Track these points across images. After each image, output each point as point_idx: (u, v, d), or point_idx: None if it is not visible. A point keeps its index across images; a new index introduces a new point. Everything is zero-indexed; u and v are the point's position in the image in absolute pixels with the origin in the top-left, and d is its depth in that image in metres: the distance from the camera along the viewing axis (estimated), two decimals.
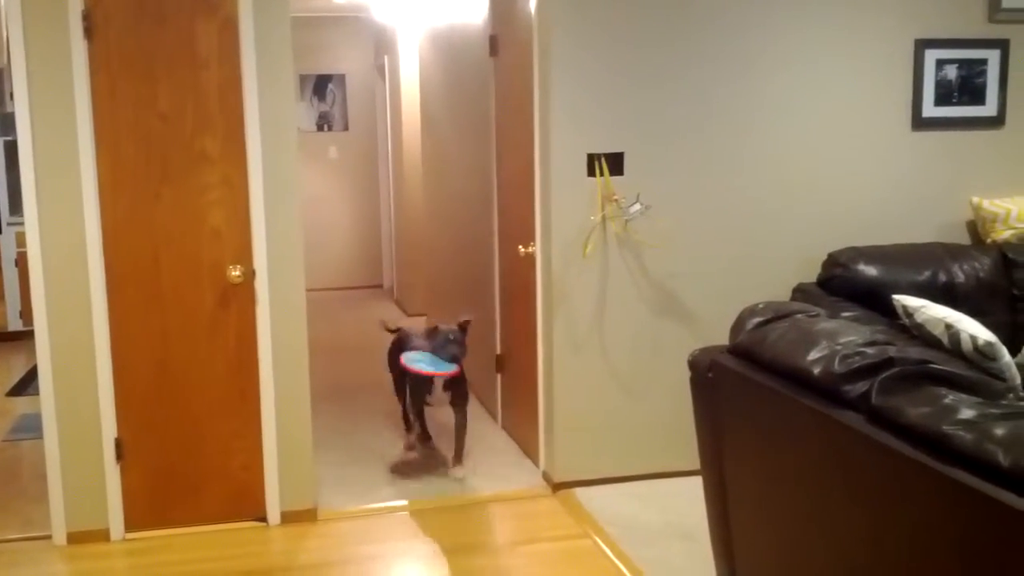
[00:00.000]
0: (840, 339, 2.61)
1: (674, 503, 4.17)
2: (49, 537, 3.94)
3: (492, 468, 4.67)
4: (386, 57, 8.75)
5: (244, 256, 3.93)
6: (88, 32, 3.70)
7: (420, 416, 4.83)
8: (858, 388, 2.41)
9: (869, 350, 2.50)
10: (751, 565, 2.98)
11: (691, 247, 4.34)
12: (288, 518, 4.08)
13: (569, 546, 3.81)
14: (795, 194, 4.41)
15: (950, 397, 2.17)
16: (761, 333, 2.90)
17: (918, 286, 4.20)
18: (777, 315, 2.96)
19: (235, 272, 3.89)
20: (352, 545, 3.85)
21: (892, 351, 2.47)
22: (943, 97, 4.49)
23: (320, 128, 9.53)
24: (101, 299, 3.82)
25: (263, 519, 4.08)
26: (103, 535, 3.94)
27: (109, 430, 3.90)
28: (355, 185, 9.74)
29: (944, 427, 2.07)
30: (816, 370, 2.54)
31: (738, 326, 3.04)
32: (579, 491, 4.33)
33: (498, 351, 5.25)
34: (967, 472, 1.96)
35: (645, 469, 4.44)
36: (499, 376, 5.27)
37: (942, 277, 4.26)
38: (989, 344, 3.30)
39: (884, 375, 2.35)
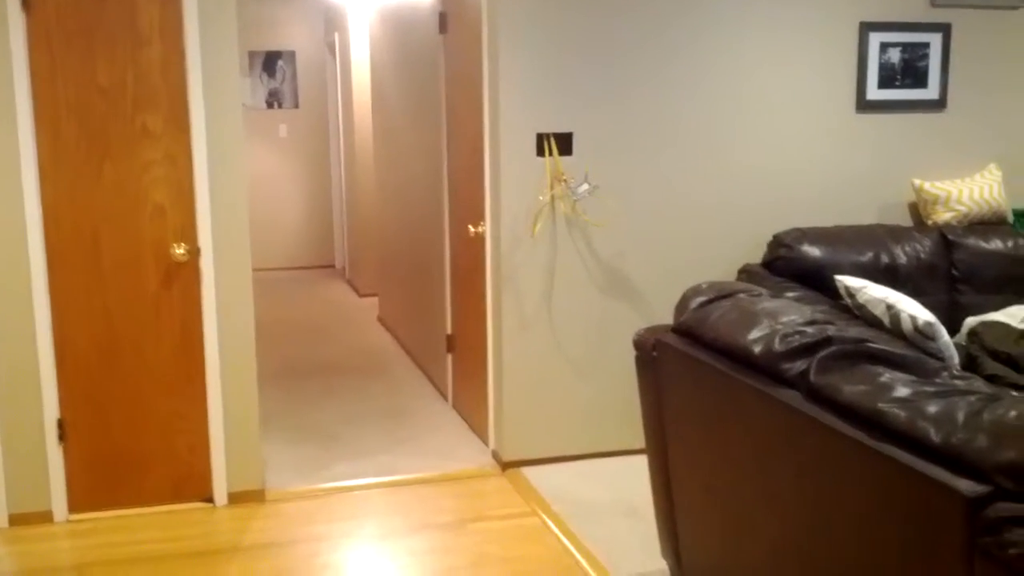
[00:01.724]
0: (781, 319, 2.66)
1: (622, 481, 4.21)
2: None
3: (442, 447, 4.68)
4: (336, 34, 8.65)
5: (188, 234, 3.88)
6: (26, 5, 3.61)
7: None
8: (797, 366, 2.45)
9: (809, 329, 2.55)
10: (695, 542, 3.03)
11: (639, 228, 4.37)
12: (235, 499, 4.06)
13: (517, 524, 3.84)
14: (742, 175, 4.46)
15: (886, 375, 2.22)
16: (704, 312, 2.93)
17: (861, 267, 4.27)
18: (720, 295, 3.00)
19: (179, 250, 3.84)
20: (300, 526, 3.84)
21: (831, 330, 2.51)
22: (887, 80, 4.56)
23: (270, 106, 9.41)
24: (41, 278, 3.75)
25: (210, 500, 4.05)
26: (46, 517, 3.89)
27: (51, 410, 3.83)
28: (306, 164, 9.65)
29: (879, 404, 2.11)
30: (757, 349, 2.58)
31: (682, 306, 3.07)
32: (528, 470, 4.36)
33: (448, 331, 5.25)
34: (901, 448, 2.00)
35: (594, 448, 4.47)
36: (449, 356, 5.27)
37: (884, 258, 4.33)
38: (928, 324, 3.38)
39: (822, 353, 2.39)
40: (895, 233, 4.41)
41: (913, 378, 2.20)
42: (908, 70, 4.57)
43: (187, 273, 3.90)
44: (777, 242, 4.31)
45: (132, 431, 3.94)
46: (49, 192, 3.72)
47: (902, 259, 4.34)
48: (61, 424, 3.86)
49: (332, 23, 8.91)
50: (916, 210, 4.70)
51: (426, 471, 4.38)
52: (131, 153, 3.78)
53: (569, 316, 4.35)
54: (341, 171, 9.22)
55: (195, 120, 3.80)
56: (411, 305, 6.24)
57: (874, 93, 4.55)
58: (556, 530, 3.76)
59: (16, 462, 3.84)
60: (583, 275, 4.33)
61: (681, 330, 3.02)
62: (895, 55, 4.55)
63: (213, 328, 3.94)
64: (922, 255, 4.38)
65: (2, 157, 3.65)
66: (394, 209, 6.67)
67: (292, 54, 9.40)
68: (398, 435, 4.86)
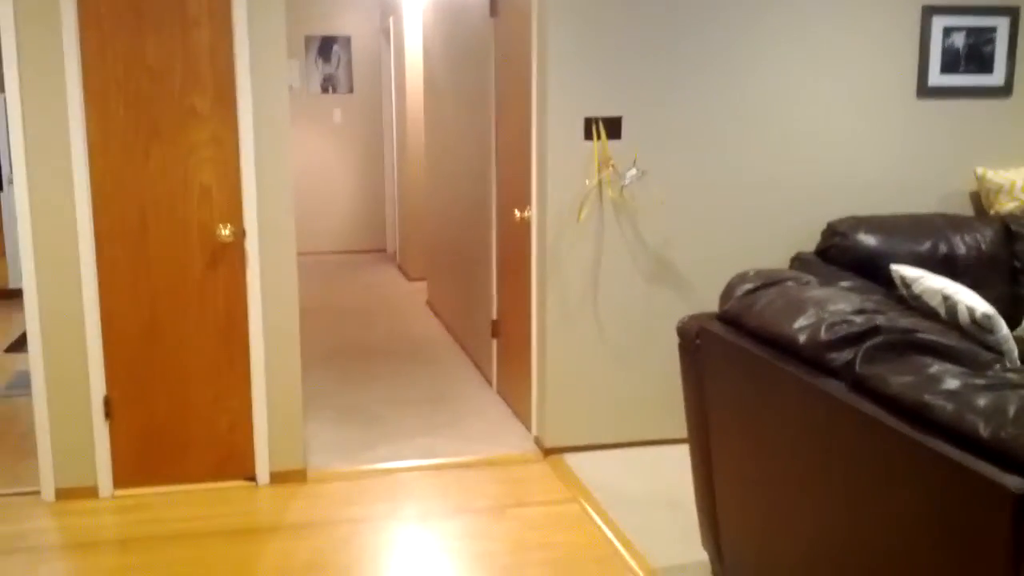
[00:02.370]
0: (829, 307, 2.57)
1: (663, 471, 4.15)
2: (38, 493, 3.95)
3: (484, 432, 4.65)
4: (391, 19, 8.65)
5: (234, 216, 3.89)
6: None
7: None
8: (843, 356, 2.37)
9: (857, 319, 2.46)
10: (735, 533, 2.95)
11: (688, 214, 4.28)
12: (277, 478, 4.08)
13: (557, 511, 3.80)
14: (796, 161, 4.35)
15: (935, 367, 2.13)
16: (749, 300, 2.86)
17: (918, 257, 4.14)
18: (767, 282, 2.92)
19: (225, 232, 3.86)
20: (341, 506, 3.85)
21: (880, 320, 2.42)
22: (950, 65, 4.40)
23: (325, 90, 9.45)
24: (90, 258, 3.79)
25: (252, 479, 4.08)
26: (91, 492, 3.95)
27: (98, 388, 3.88)
28: (359, 148, 9.68)
29: (926, 397, 2.03)
30: (802, 338, 2.50)
31: (727, 293, 3.00)
32: (569, 456, 4.32)
33: (494, 316, 5.22)
34: (947, 442, 1.92)
35: (636, 437, 4.41)
36: (494, 341, 5.24)
37: (943, 248, 4.19)
38: (987, 316, 3.25)
39: (869, 343, 2.31)
40: (955, 223, 4.26)
41: (963, 370, 2.11)
42: (973, 55, 4.42)
43: (232, 254, 3.92)
44: (831, 230, 4.19)
45: (176, 410, 3.97)
46: (98, 171, 3.76)
47: (962, 249, 4.20)
48: (107, 402, 3.91)
49: (387, 8, 8.92)
50: (978, 200, 4.54)
51: (467, 455, 4.35)
52: (178, 134, 3.80)
53: (614, 304, 4.29)
54: (394, 156, 9.23)
55: (242, 102, 3.81)
56: (458, 290, 6.22)
57: (936, 79, 4.40)
58: (596, 518, 3.71)
59: (64, 438, 3.90)
60: (629, 263, 4.27)
61: (726, 318, 2.94)
62: (959, 39, 4.39)
63: (257, 310, 3.95)
64: (983, 246, 4.23)
65: (53, 135, 3.69)
66: (443, 193, 6.65)
67: (347, 39, 9.42)
68: (440, 419, 4.85)
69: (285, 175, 3.91)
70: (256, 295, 3.94)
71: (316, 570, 3.33)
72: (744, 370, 2.72)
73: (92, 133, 3.73)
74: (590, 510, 3.78)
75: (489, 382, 5.40)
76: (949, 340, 2.28)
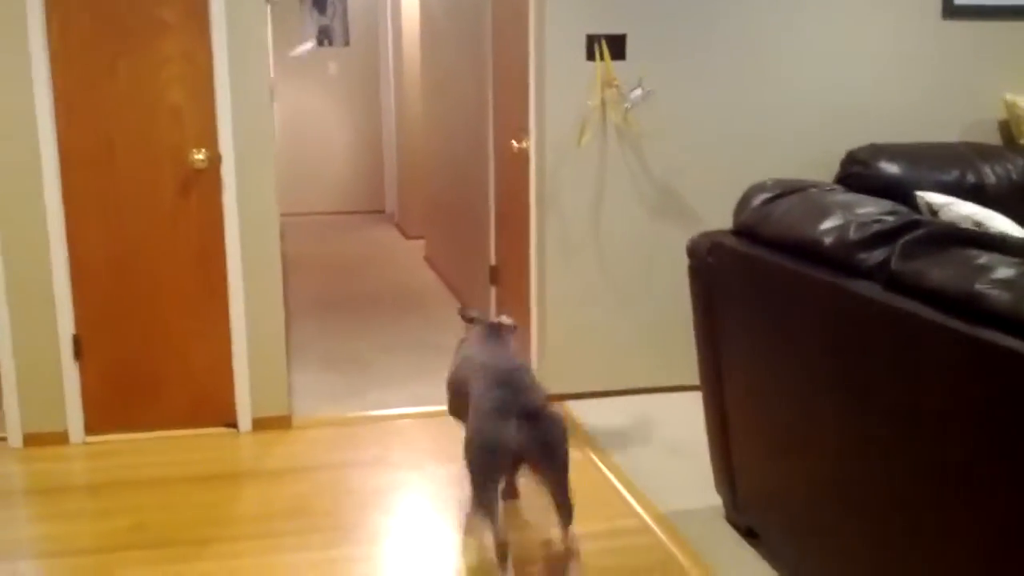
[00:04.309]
0: (857, 210, 2.30)
1: (671, 418, 3.88)
2: (4, 439, 3.70)
3: None
4: None
5: (208, 139, 3.62)
6: None
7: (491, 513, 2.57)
8: (875, 256, 2.10)
9: (889, 217, 2.19)
10: (752, 468, 2.69)
11: (696, 141, 4.00)
12: (260, 425, 3.82)
13: None
14: (811, 86, 4.05)
15: (983, 258, 1.86)
16: (767, 209, 2.59)
17: (944, 186, 3.85)
18: (786, 191, 2.64)
19: (198, 156, 3.59)
20: (327, 452, 3.59)
21: (917, 216, 2.15)
22: None
23: (320, 43, 9.14)
24: (54, 185, 3.52)
25: (233, 425, 3.82)
26: (61, 438, 3.70)
27: (66, 326, 3.63)
28: (356, 103, 9.37)
29: (977, 286, 1.76)
30: (828, 240, 2.23)
31: (743, 205, 2.72)
32: (570, 404, 4.06)
33: (492, 262, 4.95)
34: (1003, 333, 1.65)
35: (640, 383, 4.15)
36: (493, 288, 4.97)
37: (970, 178, 3.90)
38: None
39: (907, 238, 2.03)
40: (983, 151, 3.97)
41: (1016, 260, 1.83)
42: None
43: (207, 181, 3.65)
44: (851, 158, 3.90)
45: (151, 348, 3.71)
46: (60, 87, 3.48)
47: (991, 179, 3.90)
48: (77, 340, 3.65)
49: None
50: (1007, 128, 4.25)
51: None
52: (147, 48, 3.52)
53: (617, 238, 4.02)
54: (392, 112, 8.93)
55: (215, 13, 3.53)
56: (455, 239, 5.95)
57: None
58: (599, 463, 3.46)
59: (31, 380, 3.65)
60: (633, 193, 3.99)
61: (741, 230, 2.67)
62: None
63: (235, 242, 3.68)
64: (1014, 175, 3.93)
65: (10, 47, 3.41)
66: (441, 142, 6.36)
67: None
68: (433, 365, 4.58)
69: (263, 96, 3.63)
70: (233, 226, 3.67)
71: (297, 515, 3.08)
72: (762, 283, 2.45)
73: (54, 44, 3.45)
74: (593, 456, 3.53)
75: None
76: (995, 234, 2.01)
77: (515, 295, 4.55)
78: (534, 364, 4.23)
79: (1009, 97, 4.15)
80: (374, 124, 9.43)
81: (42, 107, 3.45)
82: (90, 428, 3.72)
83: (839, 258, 2.16)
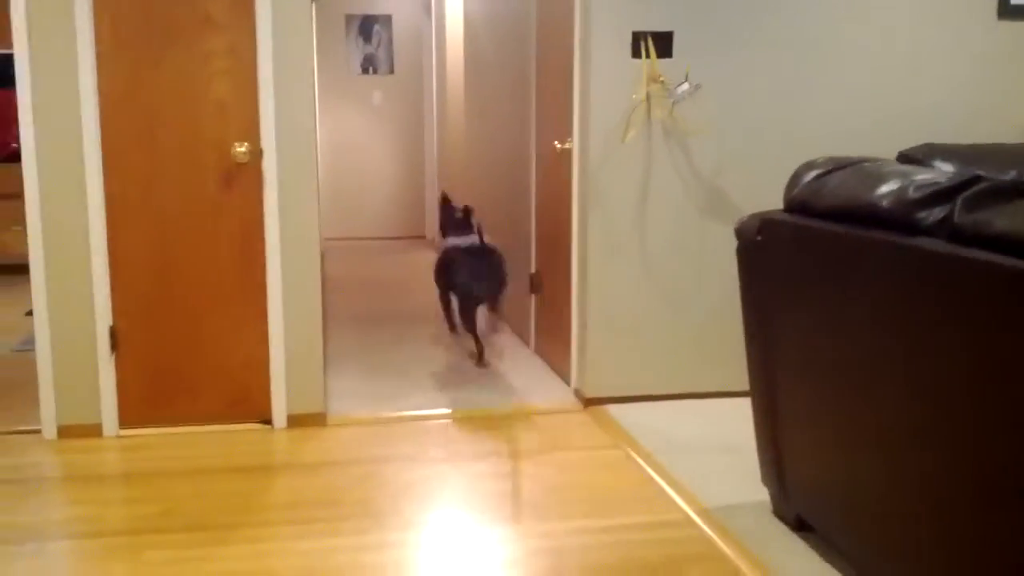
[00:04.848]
0: (915, 176, 2.20)
1: (716, 421, 3.76)
2: (39, 432, 3.67)
3: (520, 385, 4.30)
4: None
5: (251, 133, 3.61)
6: None
7: (472, 330, 4.63)
8: (936, 213, 2.01)
9: (949, 178, 2.09)
10: (802, 457, 2.57)
11: (745, 142, 3.92)
12: (295, 422, 3.76)
13: (599, 455, 3.43)
14: (863, 86, 3.97)
15: None
16: (819, 183, 2.50)
17: None
18: (838, 166, 2.55)
19: (241, 150, 3.58)
20: (361, 447, 3.52)
21: (979, 172, 2.05)
22: None
23: (365, 71, 9.22)
24: (97, 176, 3.53)
25: (268, 422, 3.77)
26: (95, 430, 3.66)
27: (103, 318, 3.61)
28: (399, 131, 9.42)
29: None
30: (885, 202, 2.14)
31: (794, 182, 2.64)
32: (612, 407, 3.95)
33: (532, 269, 4.88)
34: None
35: (685, 388, 4.04)
36: (533, 297, 4.90)
37: None
38: None
39: (968, 192, 1.94)
40: None
41: None
42: None
43: (248, 175, 3.63)
44: (904, 158, 3.77)
45: (187, 343, 3.68)
46: (106, 79, 3.50)
47: None
48: (113, 333, 3.63)
49: None
50: None
51: (500, 406, 4.01)
52: (193, 42, 3.53)
53: (662, 239, 3.93)
54: (434, 140, 8.96)
55: (261, 10, 3.54)
56: None
57: None
58: (641, 462, 3.34)
59: (67, 372, 3.63)
60: (679, 193, 3.91)
61: (792, 206, 2.58)
62: None
63: (275, 236, 3.66)
64: None
65: (57, 37, 3.44)
66: (481, 155, 6.34)
67: (388, 18, 9.20)
68: (472, 375, 4.51)
69: (306, 92, 3.62)
70: (274, 220, 3.65)
71: (329, 505, 3.01)
72: (817, 254, 2.35)
73: (101, 36, 3.48)
74: (634, 455, 3.42)
75: (527, 342, 5.06)
76: None
77: (556, 299, 4.47)
78: (573, 366, 4.14)
79: None
80: (416, 151, 9.47)
81: (87, 98, 3.47)
82: (124, 421, 3.69)
83: (898, 218, 2.06)
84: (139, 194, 3.58)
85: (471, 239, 4.51)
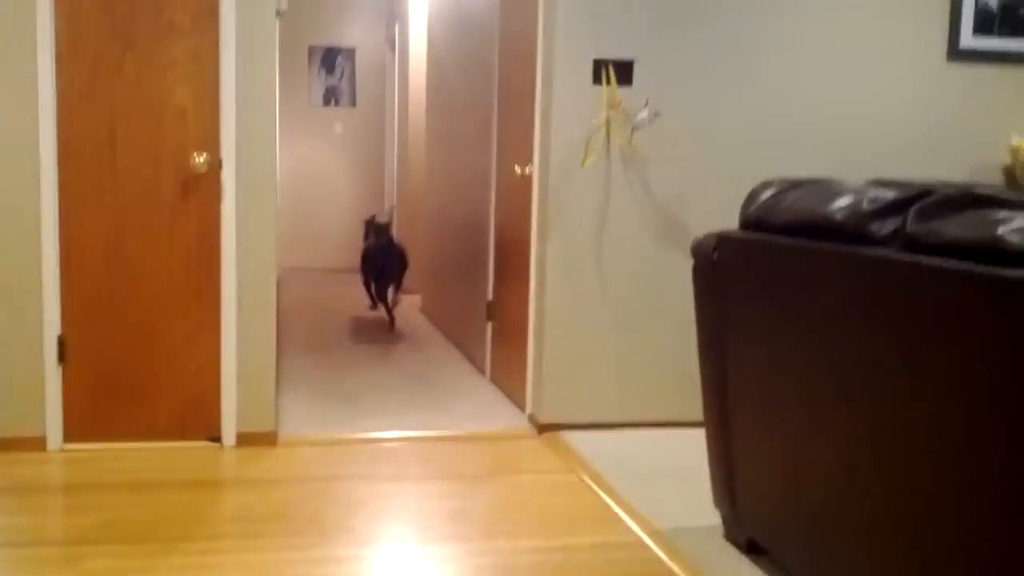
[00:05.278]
0: (870, 192, 2.24)
1: (670, 450, 3.76)
2: None
3: (473, 411, 4.28)
4: (397, 25, 8.47)
5: (210, 143, 3.58)
6: None
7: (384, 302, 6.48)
8: (889, 224, 2.04)
9: (902, 190, 2.13)
10: (754, 477, 2.58)
11: (701, 169, 3.97)
12: (244, 440, 3.70)
13: (551, 478, 3.41)
14: (816, 121, 4.05)
15: (1002, 213, 1.79)
16: (775, 200, 2.53)
17: None
18: (794, 185, 2.59)
19: (199, 159, 3.55)
20: (311, 466, 3.46)
21: (931, 186, 2.10)
22: (983, 26, 4.13)
23: (327, 103, 9.24)
24: (51, 174, 3.48)
25: (217, 439, 3.70)
26: (39, 443, 3.57)
27: (52, 326, 3.53)
28: (360, 163, 9.42)
29: (999, 231, 1.69)
30: (839, 216, 2.17)
31: (750, 200, 2.67)
32: (566, 434, 3.94)
33: (489, 297, 4.88)
34: None
35: (641, 417, 4.04)
36: (489, 324, 4.89)
37: None
38: None
39: (921, 204, 1.98)
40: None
41: None
42: (1008, 17, 4.15)
43: (206, 186, 3.60)
44: None
45: (137, 354, 3.61)
46: (65, 80, 3.47)
47: None
48: (62, 342, 3.56)
49: (393, 15, 8.75)
50: (1011, 174, 4.24)
51: (452, 430, 3.97)
52: (155, 48, 3.51)
53: (620, 266, 3.96)
54: (395, 172, 8.97)
55: (225, 19, 3.54)
56: (452, 283, 5.89)
57: (968, 41, 4.13)
58: (594, 486, 3.33)
59: (11, 381, 3.54)
60: (638, 219, 3.94)
61: (747, 223, 2.61)
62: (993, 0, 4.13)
63: (231, 247, 3.62)
64: None
65: (16, 36, 3.41)
66: (441, 184, 6.35)
67: (352, 51, 9.24)
68: (426, 398, 4.48)
69: (269, 104, 3.61)
70: (230, 232, 3.61)
71: (278, 520, 2.95)
72: (773, 269, 2.38)
73: (61, 36, 3.45)
74: (587, 479, 3.40)
75: (482, 371, 5.04)
76: (1012, 194, 1.95)
77: (512, 326, 4.46)
78: (528, 392, 4.13)
79: (1015, 141, 4.15)
80: (377, 182, 9.47)
81: (45, 100, 3.43)
82: (69, 435, 3.60)
83: (853, 230, 2.10)
84: (94, 200, 3.54)
85: (383, 242, 6.33)
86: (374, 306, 6.83)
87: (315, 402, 4.35)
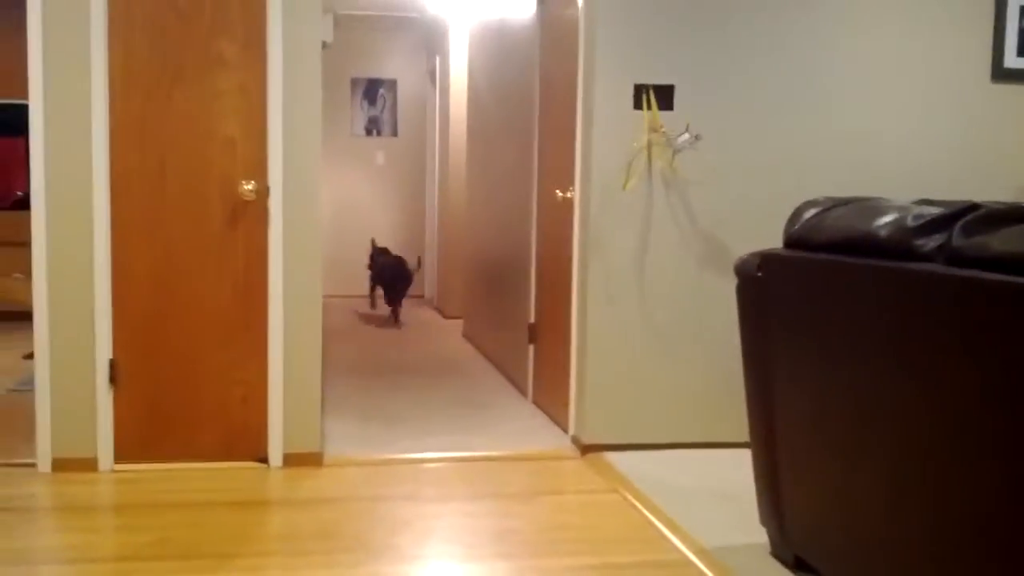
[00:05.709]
0: (915, 208, 2.25)
1: (716, 470, 3.75)
2: (34, 465, 3.65)
3: (517, 432, 4.29)
4: (437, 58, 8.59)
5: (258, 171, 3.66)
6: None
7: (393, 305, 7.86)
8: (934, 240, 2.04)
9: (947, 207, 2.14)
10: (800, 495, 2.57)
11: (744, 192, 3.98)
12: (291, 461, 3.74)
13: (595, 498, 3.42)
14: (861, 143, 4.05)
15: None
16: (819, 219, 2.54)
17: None
18: (838, 203, 2.60)
19: (248, 187, 3.63)
20: (356, 487, 3.50)
21: (976, 202, 2.10)
22: None
23: (369, 133, 9.37)
24: (104, 205, 3.57)
25: (264, 460, 3.75)
26: (90, 464, 3.64)
27: (104, 350, 3.62)
28: (401, 192, 9.53)
29: None
30: (884, 232, 2.18)
31: (793, 219, 2.68)
32: (609, 455, 3.94)
33: (531, 319, 4.91)
34: None
35: (685, 438, 4.03)
36: (531, 347, 4.91)
37: None
38: None
39: (966, 219, 1.98)
40: None
41: None
42: None
43: (254, 213, 3.68)
44: None
45: (186, 378, 3.68)
46: (118, 113, 3.57)
47: None
48: (113, 365, 3.64)
49: (433, 48, 8.88)
50: None
51: (496, 451, 3.99)
52: (204, 80, 3.61)
53: (661, 289, 3.97)
54: (435, 201, 9.06)
55: (272, 52, 3.63)
56: (494, 307, 5.93)
57: (1012, 61, 4.12)
58: (639, 505, 3.32)
59: (65, 404, 3.62)
60: (678, 242, 3.96)
61: (791, 242, 2.62)
62: None
63: (279, 274, 3.69)
64: None
65: (73, 73, 3.52)
66: (483, 209, 6.41)
67: (393, 82, 9.38)
68: (470, 421, 4.50)
69: (314, 133, 3.69)
70: (278, 259, 3.68)
71: (324, 539, 2.98)
72: (817, 285, 2.39)
73: (114, 72, 3.55)
74: (631, 499, 3.40)
75: (524, 393, 5.05)
76: None
77: (554, 347, 4.48)
78: (571, 413, 4.14)
79: None
80: (418, 212, 9.56)
81: (98, 131, 3.53)
82: (119, 456, 3.67)
83: (897, 246, 2.10)
84: (145, 228, 3.62)
85: (391, 260, 7.70)
86: (374, 305, 8.50)
87: (359, 423, 4.39)
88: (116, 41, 3.55)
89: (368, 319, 8.16)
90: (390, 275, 7.63)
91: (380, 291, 8.15)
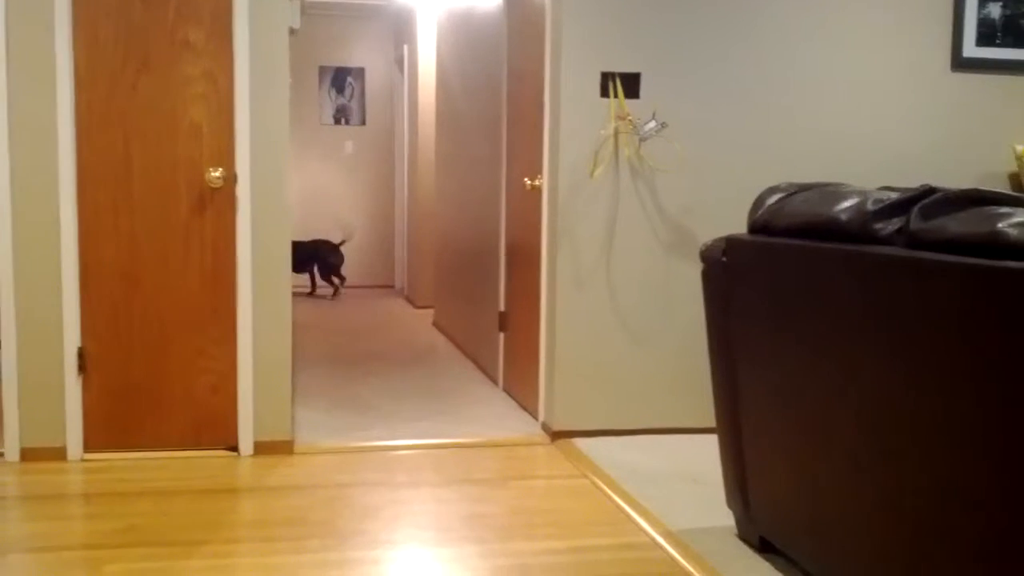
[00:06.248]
0: (874, 193, 2.29)
1: (683, 454, 3.80)
2: (2, 455, 3.63)
3: (487, 419, 4.32)
4: (405, 47, 8.58)
5: (226, 158, 3.66)
6: None
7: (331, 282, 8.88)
8: (893, 224, 2.09)
9: (905, 192, 2.18)
10: (765, 476, 2.62)
11: (709, 181, 4.03)
12: (261, 449, 3.75)
13: (565, 483, 3.45)
14: (821, 132, 4.10)
15: (1003, 209, 1.84)
16: (782, 204, 2.58)
17: None
18: (801, 189, 2.64)
19: (215, 174, 3.62)
20: (327, 474, 3.51)
21: (934, 186, 2.14)
22: (985, 37, 4.19)
23: (337, 122, 9.33)
24: (70, 195, 3.55)
25: (234, 449, 3.75)
26: (59, 453, 3.63)
27: (72, 339, 3.60)
28: (370, 182, 9.51)
29: (998, 226, 1.74)
30: (844, 216, 2.22)
31: (757, 205, 2.72)
32: (579, 440, 3.98)
33: (501, 308, 4.93)
34: None
35: (652, 423, 4.07)
36: (501, 335, 4.94)
37: None
38: None
39: (924, 202, 2.02)
40: None
41: None
42: (1010, 27, 4.20)
43: (222, 200, 3.67)
44: None
45: (155, 366, 3.67)
46: (83, 101, 3.55)
47: None
48: (81, 354, 3.62)
49: (401, 37, 8.86)
50: (1017, 181, 4.28)
51: (466, 437, 4.02)
52: (170, 67, 3.59)
53: (629, 276, 4.00)
54: (404, 189, 9.05)
55: (239, 38, 3.61)
56: (464, 295, 5.95)
57: (971, 51, 4.18)
58: (607, 489, 3.36)
59: (33, 393, 3.60)
60: (646, 229, 3.99)
61: (755, 227, 2.66)
62: (995, 10, 4.18)
63: (247, 262, 3.69)
64: None
65: (37, 59, 3.49)
66: (452, 197, 6.42)
67: (361, 70, 9.34)
68: (440, 407, 4.52)
69: (282, 119, 3.68)
70: (246, 246, 3.68)
71: (294, 525, 2.99)
72: (780, 270, 2.43)
73: (79, 60, 3.53)
74: (600, 483, 3.44)
75: (495, 381, 5.08)
76: (1013, 193, 2.00)
77: (524, 336, 4.51)
78: (540, 400, 4.17)
79: (1019, 148, 4.19)
80: (387, 201, 9.55)
81: (63, 119, 3.51)
82: (88, 445, 3.65)
83: (857, 230, 2.14)
84: (112, 215, 3.60)
85: (308, 244, 8.62)
86: (314, 291, 9.01)
87: (331, 413, 4.40)
88: (80, 28, 3.52)
89: (332, 306, 8.15)
90: (300, 257, 8.55)
91: (317, 277, 8.90)
